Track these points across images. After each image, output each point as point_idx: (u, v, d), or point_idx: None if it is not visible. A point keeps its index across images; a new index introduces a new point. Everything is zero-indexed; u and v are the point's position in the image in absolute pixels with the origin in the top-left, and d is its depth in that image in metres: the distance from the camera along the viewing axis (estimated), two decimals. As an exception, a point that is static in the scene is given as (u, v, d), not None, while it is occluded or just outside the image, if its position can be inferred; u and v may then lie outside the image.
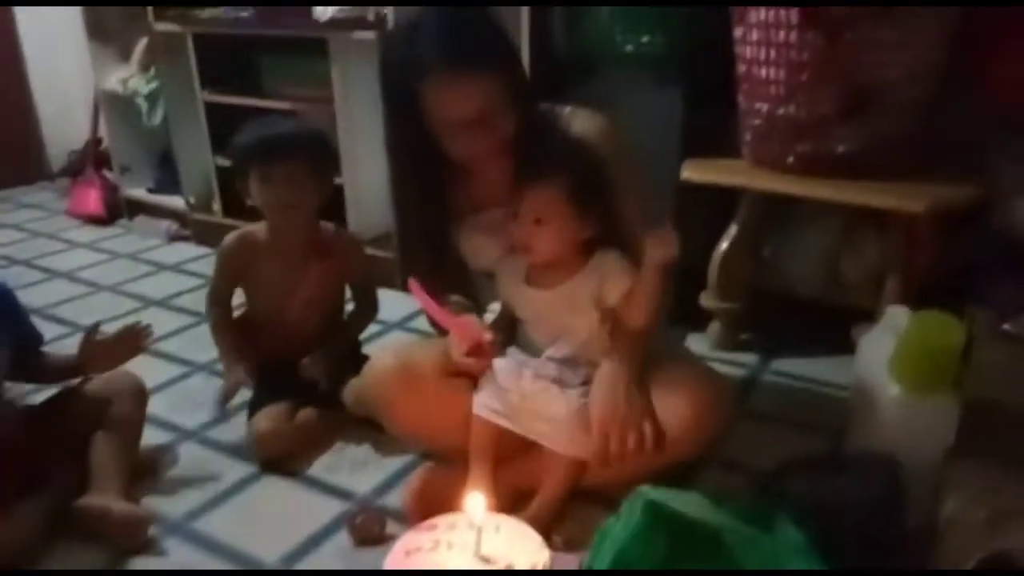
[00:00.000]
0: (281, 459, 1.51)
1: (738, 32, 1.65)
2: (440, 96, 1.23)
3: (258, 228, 1.69)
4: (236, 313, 1.73)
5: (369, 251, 2.20)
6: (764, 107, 1.63)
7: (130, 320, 1.50)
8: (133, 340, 1.47)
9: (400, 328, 2.10)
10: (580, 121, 1.34)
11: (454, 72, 1.21)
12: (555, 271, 1.30)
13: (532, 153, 1.26)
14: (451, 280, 1.44)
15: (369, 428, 1.53)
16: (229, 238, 1.69)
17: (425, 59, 1.21)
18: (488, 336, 1.28)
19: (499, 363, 1.30)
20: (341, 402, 1.58)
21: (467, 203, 1.39)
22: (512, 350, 1.33)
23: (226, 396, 1.60)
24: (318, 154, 1.65)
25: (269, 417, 1.54)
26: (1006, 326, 1.42)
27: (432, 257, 1.42)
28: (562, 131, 1.31)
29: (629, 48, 1.86)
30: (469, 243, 1.42)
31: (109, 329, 1.49)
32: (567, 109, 1.36)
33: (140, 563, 1.27)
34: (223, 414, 1.66)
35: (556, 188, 1.23)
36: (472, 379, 1.34)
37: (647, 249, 1.19)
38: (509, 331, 1.38)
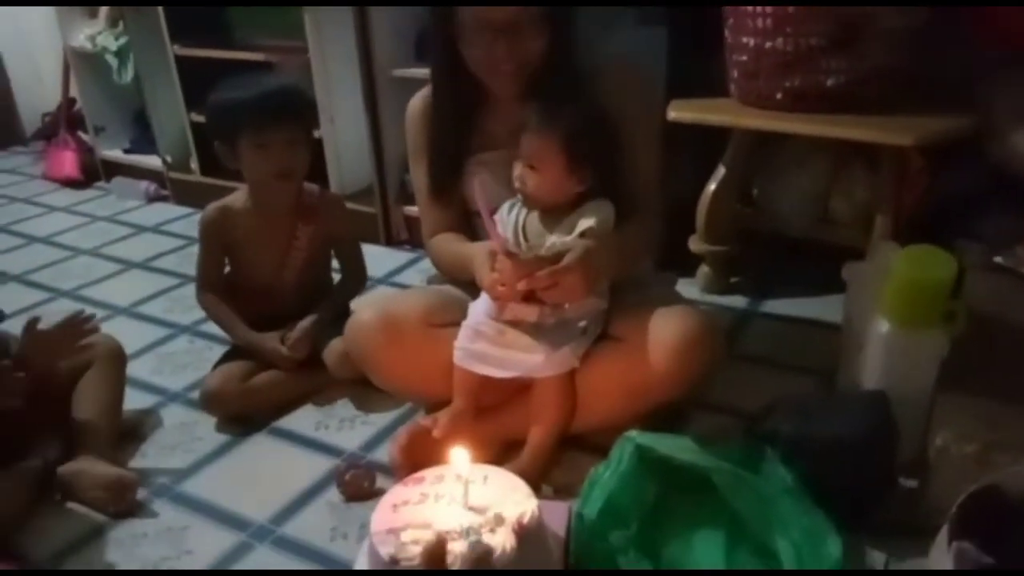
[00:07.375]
0: (233, 417, 1.49)
1: (723, -37, 1.59)
2: None
3: (236, 197, 1.61)
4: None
5: (351, 207, 2.17)
6: (751, 41, 1.58)
7: (77, 308, 1.41)
8: (76, 330, 1.36)
9: (385, 283, 2.07)
10: (618, 74, 1.33)
11: None
12: (546, 224, 1.28)
13: (547, 97, 1.26)
14: (451, 216, 1.43)
15: (355, 385, 1.52)
16: (208, 213, 1.60)
17: None
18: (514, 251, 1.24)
19: (475, 303, 1.31)
20: (323, 364, 1.53)
21: (481, 141, 1.38)
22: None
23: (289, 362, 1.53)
24: (309, 114, 1.56)
25: (220, 376, 1.50)
26: (997, 258, 1.40)
27: (439, 186, 1.41)
28: (583, 82, 1.29)
29: (611, -16, 1.80)
30: (474, 180, 1.37)
31: (57, 309, 1.43)
32: (612, 61, 1.35)
33: (128, 527, 1.26)
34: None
35: (551, 139, 1.23)
36: (455, 327, 1.32)
37: None
38: None
